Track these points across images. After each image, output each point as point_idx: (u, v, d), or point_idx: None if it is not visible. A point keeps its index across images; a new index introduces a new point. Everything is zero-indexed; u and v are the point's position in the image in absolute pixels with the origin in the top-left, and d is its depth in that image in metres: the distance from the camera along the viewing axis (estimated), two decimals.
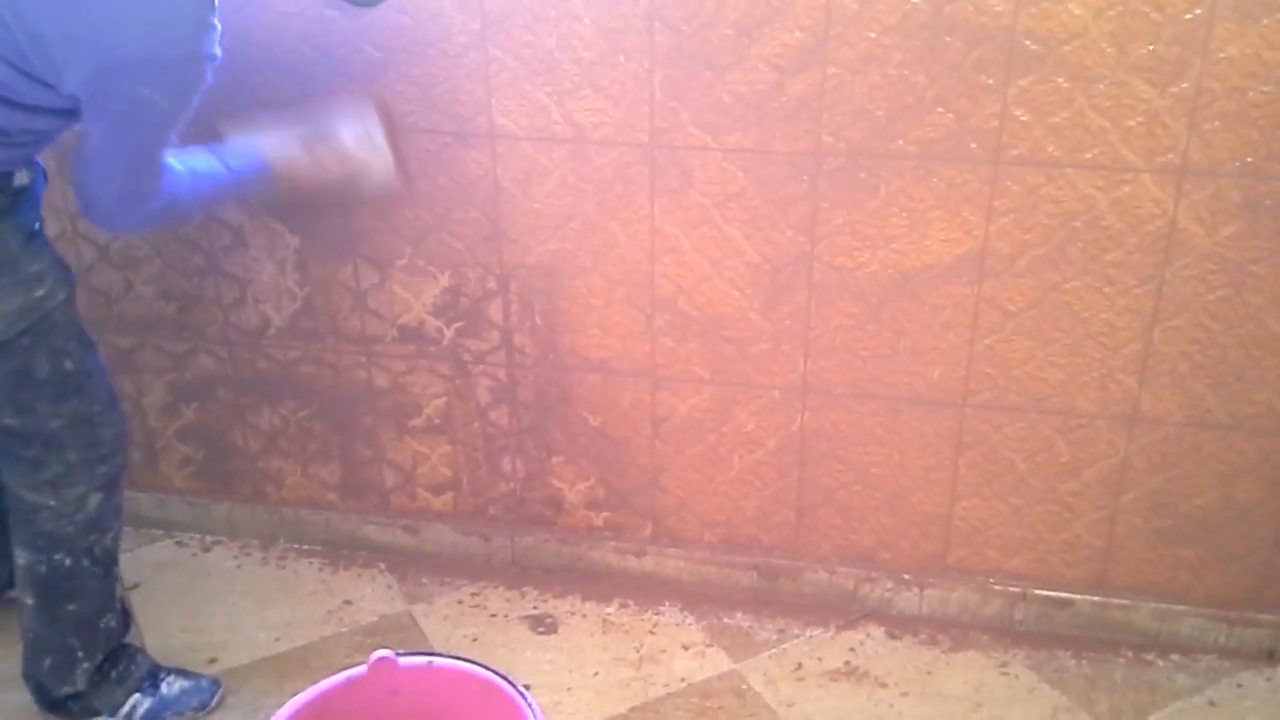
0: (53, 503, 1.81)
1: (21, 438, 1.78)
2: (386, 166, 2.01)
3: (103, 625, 1.95)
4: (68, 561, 1.86)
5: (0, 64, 1.52)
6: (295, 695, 1.63)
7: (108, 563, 1.93)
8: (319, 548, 2.55)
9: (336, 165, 1.96)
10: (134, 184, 1.68)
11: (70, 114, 1.62)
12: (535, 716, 1.56)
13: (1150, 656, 2.20)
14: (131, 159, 1.65)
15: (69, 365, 1.76)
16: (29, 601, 1.89)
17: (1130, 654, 2.21)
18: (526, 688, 1.62)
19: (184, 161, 1.76)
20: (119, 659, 2.02)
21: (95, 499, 1.85)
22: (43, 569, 1.86)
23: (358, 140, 1.97)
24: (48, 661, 1.92)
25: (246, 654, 2.21)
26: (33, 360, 1.71)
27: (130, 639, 2.06)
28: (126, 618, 2.05)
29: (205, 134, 1.89)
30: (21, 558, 1.87)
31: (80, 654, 1.92)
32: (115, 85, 1.54)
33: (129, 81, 1.54)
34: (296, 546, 2.56)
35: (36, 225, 1.70)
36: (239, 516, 2.55)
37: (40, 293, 1.68)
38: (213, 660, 2.18)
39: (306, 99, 2.05)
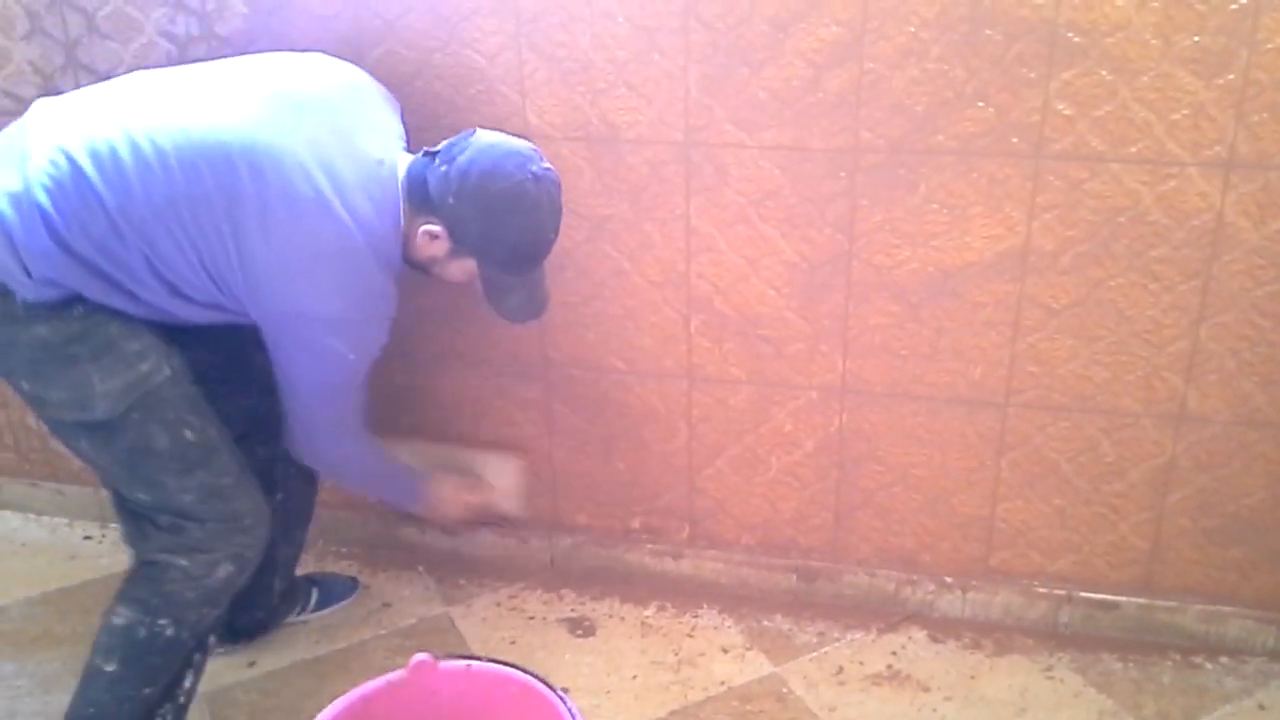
0: (184, 563, 1.75)
1: (156, 509, 1.75)
2: (519, 508, 2.27)
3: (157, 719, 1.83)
4: (169, 631, 1.77)
5: (195, 264, 1.66)
6: (336, 698, 1.63)
7: (198, 642, 1.84)
8: (357, 549, 2.55)
9: (478, 502, 2.20)
10: (322, 426, 1.87)
11: (219, 309, 1.74)
12: (574, 719, 1.55)
13: (1198, 659, 2.16)
14: (320, 402, 1.82)
15: (189, 436, 1.72)
16: (107, 668, 1.76)
17: (1177, 657, 2.17)
18: (565, 690, 1.61)
19: (377, 456, 2.00)
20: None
21: (226, 570, 1.79)
22: (142, 633, 1.75)
23: (502, 489, 2.23)
24: None
25: (286, 657, 2.21)
26: (148, 434, 1.69)
27: None
28: (183, 716, 1.89)
29: None
30: (121, 617, 1.76)
31: None
32: (304, 331, 1.72)
33: (319, 332, 1.71)
34: (335, 548, 2.56)
35: (135, 312, 1.69)
36: None
37: (144, 368, 1.68)
38: (252, 663, 2.19)
39: (459, 443, 2.32)
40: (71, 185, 1.59)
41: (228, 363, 1.90)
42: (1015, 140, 1.88)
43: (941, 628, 2.27)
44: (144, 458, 1.71)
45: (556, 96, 2.04)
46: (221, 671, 2.16)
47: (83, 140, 1.61)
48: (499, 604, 2.38)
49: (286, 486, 2.11)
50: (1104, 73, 1.80)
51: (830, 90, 1.92)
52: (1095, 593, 2.20)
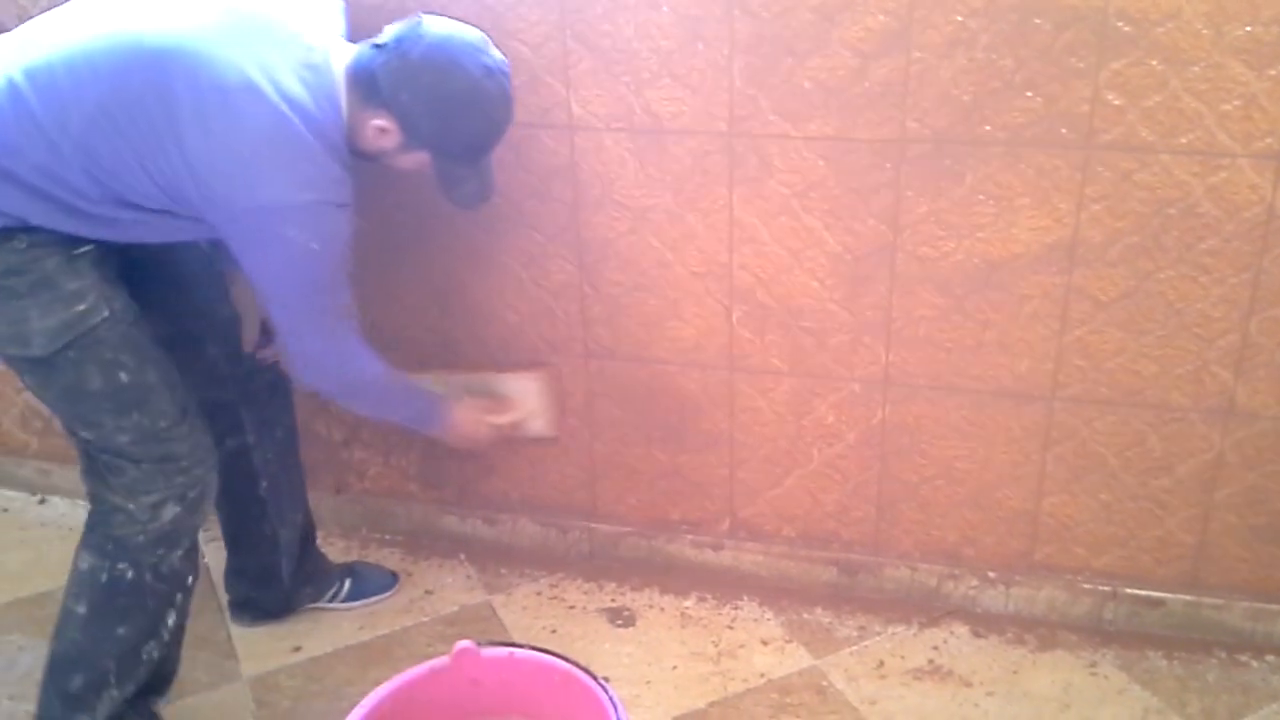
0: (130, 507, 1.78)
1: (98, 447, 1.78)
2: (545, 428, 2.25)
3: (144, 655, 1.87)
4: (130, 574, 1.81)
5: (138, 169, 1.64)
6: (379, 684, 1.65)
7: (171, 584, 1.86)
8: (400, 538, 2.58)
9: (505, 422, 2.16)
10: (312, 337, 1.81)
11: (172, 216, 1.72)
12: (616, 708, 1.55)
13: (1244, 657, 2.14)
14: (300, 307, 1.78)
15: (124, 378, 1.73)
16: (79, 610, 1.82)
17: (1223, 654, 2.14)
18: (606, 680, 1.61)
19: (388, 373, 1.93)
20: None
21: (171, 511, 1.80)
22: (103, 578, 1.80)
23: (528, 408, 2.20)
24: (77, 680, 1.84)
25: (330, 643, 2.24)
26: (83, 374, 1.71)
27: (167, 689, 2.00)
28: (173, 650, 1.96)
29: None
30: (84, 562, 1.82)
31: (112, 679, 1.84)
32: (262, 225, 1.68)
33: (276, 223, 1.67)
34: (378, 536, 2.59)
35: (82, 249, 1.70)
36: (322, 507, 2.57)
37: (81, 308, 1.68)
38: (297, 649, 2.21)
39: (487, 365, 2.31)
40: (10, 110, 1.61)
41: (183, 355, 1.90)
42: (1064, 131, 1.86)
43: (984, 623, 2.25)
44: (80, 397, 1.74)
45: (601, 87, 2.04)
46: (266, 656, 2.19)
47: (21, 64, 1.63)
48: (539, 593, 2.39)
49: (267, 473, 2.15)
50: (1154, 63, 1.78)
51: (876, 80, 1.91)
52: (1141, 589, 2.18)
